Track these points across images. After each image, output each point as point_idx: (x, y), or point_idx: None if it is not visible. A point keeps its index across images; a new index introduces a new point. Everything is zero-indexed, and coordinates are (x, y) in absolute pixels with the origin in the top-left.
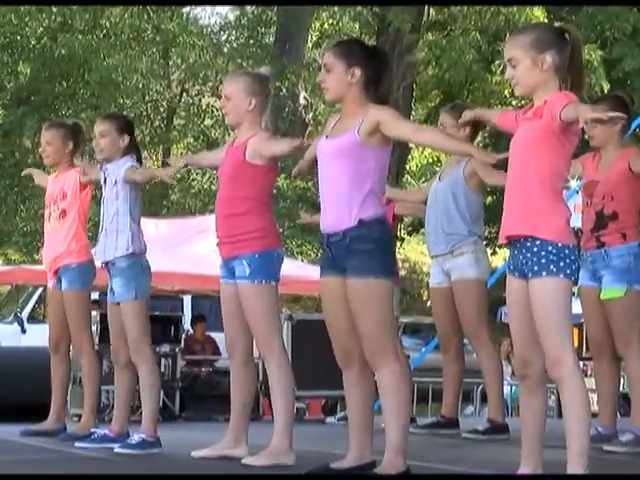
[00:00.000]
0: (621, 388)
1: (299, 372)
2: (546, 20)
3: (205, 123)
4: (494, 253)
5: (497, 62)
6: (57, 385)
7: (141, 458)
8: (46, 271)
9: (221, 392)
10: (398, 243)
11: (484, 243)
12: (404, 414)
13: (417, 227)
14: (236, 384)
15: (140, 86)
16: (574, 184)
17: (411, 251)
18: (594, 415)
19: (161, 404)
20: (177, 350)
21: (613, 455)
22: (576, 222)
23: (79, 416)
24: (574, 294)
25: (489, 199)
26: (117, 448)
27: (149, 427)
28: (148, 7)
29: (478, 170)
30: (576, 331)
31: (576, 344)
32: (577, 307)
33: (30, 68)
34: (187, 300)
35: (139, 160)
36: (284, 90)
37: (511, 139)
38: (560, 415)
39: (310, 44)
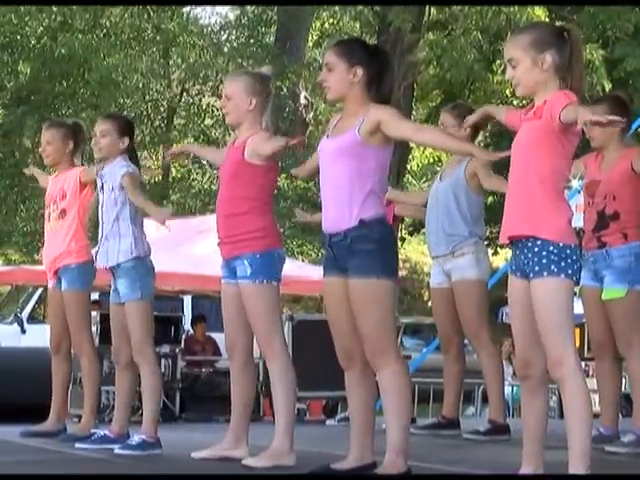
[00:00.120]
0: (623, 389)
1: (300, 372)
2: (547, 20)
3: (205, 123)
4: (495, 253)
5: (498, 62)
6: (58, 386)
7: (141, 459)
8: (46, 271)
9: (221, 393)
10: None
11: (485, 243)
12: (405, 414)
13: (418, 227)
14: (236, 385)
15: (140, 86)
16: (576, 184)
17: (412, 251)
18: (596, 416)
19: (161, 405)
20: (177, 351)
21: (615, 456)
22: (578, 222)
23: (79, 417)
24: (576, 294)
25: (490, 199)
26: (117, 449)
27: (149, 428)
28: (148, 7)
29: (478, 172)
30: (578, 331)
31: (578, 344)
32: (579, 307)
33: (30, 68)
34: (187, 300)
35: (136, 163)
36: (285, 90)
37: (512, 139)
38: (562, 416)
39: (311, 43)
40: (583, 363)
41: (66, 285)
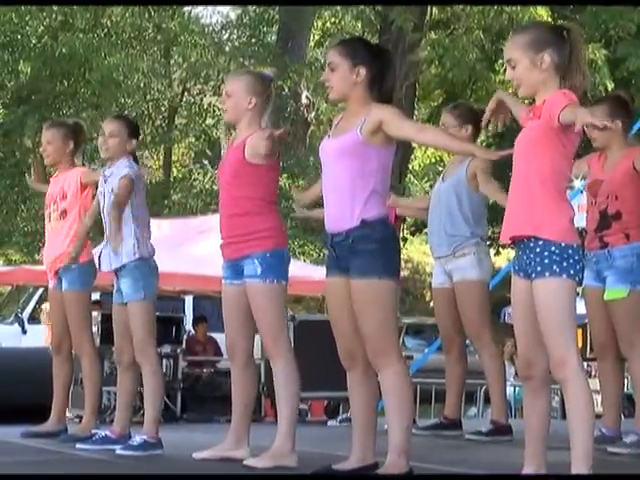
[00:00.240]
0: (625, 389)
1: (301, 373)
2: (550, 19)
3: (207, 122)
4: (498, 253)
5: (500, 61)
6: (59, 386)
7: (143, 459)
8: (47, 272)
9: (223, 393)
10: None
11: (488, 243)
12: (407, 415)
13: (420, 227)
14: (237, 386)
15: (141, 85)
16: (578, 184)
17: (414, 251)
18: (598, 416)
19: (163, 405)
20: (178, 351)
21: (617, 457)
22: (580, 222)
23: (80, 417)
24: (578, 294)
25: None
26: (119, 449)
27: (151, 428)
28: (149, 6)
29: (478, 175)
30: (580, 332)
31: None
32: (581, 308)
33: (31, 67)
34: (189, 301)
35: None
36: (286, 89)
37: (514, 139)
38: (564, 416)
39: (312, 43)
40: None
41: (67, 285)
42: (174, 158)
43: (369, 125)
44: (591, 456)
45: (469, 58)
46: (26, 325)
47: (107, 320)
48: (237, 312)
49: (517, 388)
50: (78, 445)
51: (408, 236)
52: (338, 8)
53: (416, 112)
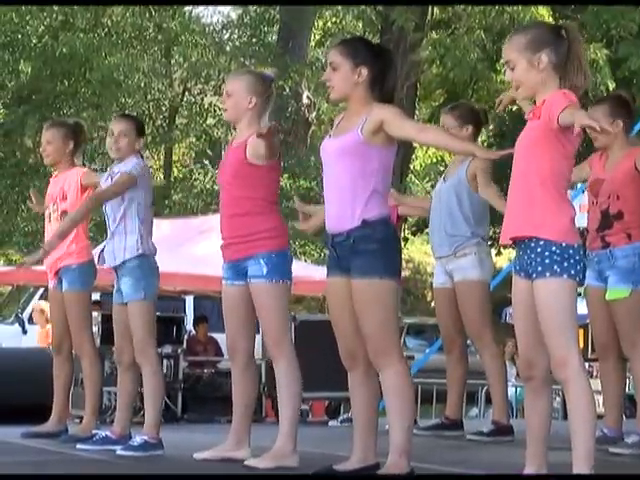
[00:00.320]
0: (626, 389)
1: (302, 373)
2: (551, 19)
3: (207, 122)
4: (499, 253)
5: (502, 61)
6: (59, 387)
7: (143, 460)
8: (47, 272)
9: (224, 393)
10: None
11: (489, 243)
12: (408, 415)
13: (421, 227)
14: (238, 386)
15: (142, 85)
16: (580, 183)
17: (415, 251)
18: (599, 417)
19: (163, 406)
20: (179, 351)
21: (619, 457)
22: (581, 222)
23: (80, 418)
24: (580, 294)
25: None
26: (119, 450)
27: (151, 429)
28: (150, 5)
29: (478, 177)
30: (582, 332)
31: (582, 345)
32: (582, 308)
33: (31, 67)
34: (189, 301)
35: None
36: (287, 89)
37: (515, 139)
38: (565, 417)
39: (313, 43)
40: (587, 364)
41: (67, 285)
42: (175, 158)
43: (370, 125)
44: (593, 456)
45: (470, 58)
46: (26, 325)
47: (107, 320)
48: (238, 313)
49: (518, 388)
50: (79, 445)
51: (409, 236)
52: (339, 8)
53: (417, 112)
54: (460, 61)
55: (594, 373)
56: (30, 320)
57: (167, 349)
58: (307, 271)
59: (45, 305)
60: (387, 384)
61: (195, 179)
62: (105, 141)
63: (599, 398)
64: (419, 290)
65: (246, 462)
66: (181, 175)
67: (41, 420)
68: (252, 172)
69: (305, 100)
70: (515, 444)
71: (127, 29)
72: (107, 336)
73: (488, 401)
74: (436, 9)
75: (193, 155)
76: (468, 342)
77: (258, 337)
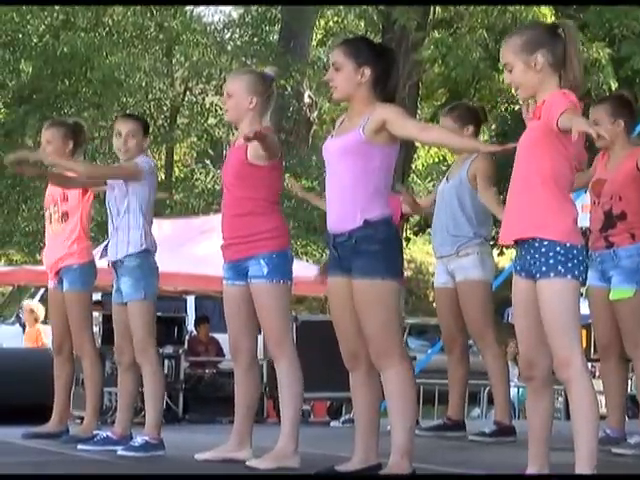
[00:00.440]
0: (629, 390)
1: (304, 374)
2: (554, 18)
3: (209, 122)
4: (501, 253)
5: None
6: (60, 387)
7: (144, 460)
8: (47, 272)
9: (225, 394)
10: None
11: (491, 243)
12: (410, 416)
13: (423, 227)
14: (240, 386)
15: (143, 84)
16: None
17: (417, 251)
18: (602, 417)
19: (164, 406)
20: (180, 351)
21: (621, 458)
22: (583, 221)
23: (81, 418)
24: (582, 295)
25: None
26: (120, 450)
27: (152, 429)
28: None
29: (478, 179)
30: (584, 332)
31: (584, 345)
32: (585, 308)
33: (32, 66)
34: (191, 301)
35: None
36: (289, 89)
37: (517, 138)
38: (568, 417)
39: (315, 42)
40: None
41: (67, 286)
42: (176, 158)
43: (372, 124)
44: (595, 457)
45: (472, 57)
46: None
47: (108, 321)
48: (239, 313)
49: (521, 389)
50: (79, 446)
51: (411, 236)
52: (341, 7)
53: (419, 111)
54: (462, 60)
55: (597, 373)
56: None
57: (168, 349)
58: (309, 271)
59: (35, 305)
60: (389, 385)
61: (196, 179)
62: (106, 141)
63: (602, 399)
64: (421, 290)
65: (247, 463)
66: (182, 175)
67: (42, 421)
68: (254, 172)
69: (307, 100)
70: (517, 445)
71: (128, 28)
72: (108, 336)
73: (490, 401)
74: (438, 8)
75: (194, 155)
76: (470, 342)
77: (260, 337)
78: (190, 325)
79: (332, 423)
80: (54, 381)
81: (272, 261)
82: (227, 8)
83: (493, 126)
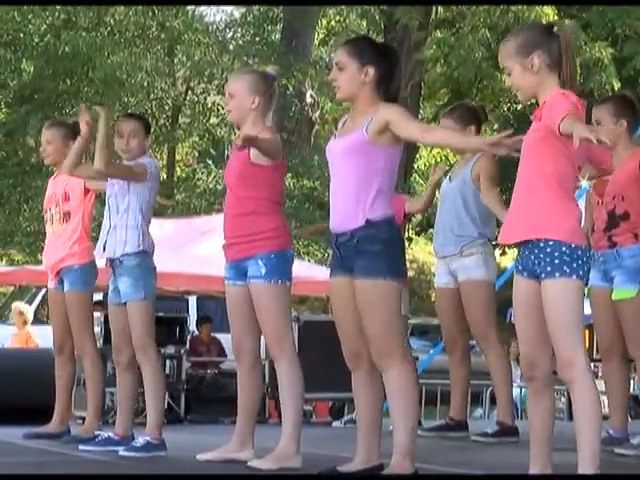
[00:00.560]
0: (631, 390)
1: (305, 374)
2: (556, 17)
3: (211, 121)
4: (504, 253)
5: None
6: (61, 387)
7: (146, 461)
8: (47, 273)
9: (227, 394)
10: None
11: (494, 243)
12: (412, 416)
13: (425, 227)
14: (243, 387)
15: (145, 84)
16: (585, 184)
17: (419, 251)
18: (605, 418)
19: (166, 406)
20: (182, 352)
21: (624, 458)
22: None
23: (83, 418)
24: (584, 295)
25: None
26: (122, 451)
27: (153, 430)
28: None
29: (481, 180)
30: (586, 332)
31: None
32: (587, 308)
33: (33, 66)
34: (192, 301)
35: None
36: (291, 88)
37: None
38: (571, 417)
39: (317, 41)
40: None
41: (68, 286)
42: (178, 157)
43: (375, 125)
44: (598, 457)
45: (475, 57)
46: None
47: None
48: (242, 313)
49: (523, 389)
50: (81, 446)
51: (413, 236)
52: (343, 7)
53: (421, 111)
54: (464, 60)
55: (599, 374)
56: (32, 321)
57: (170, 350)
58: (311, 271)
59: (24, 307)
60: (390, 385)
61: (198, 179)
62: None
63: (604, 399)
64: (423, 290)
65: (249, 463)
66: (184, 175)
67: (43, 421)
68: (256, 172)
69: (309, 99)
70: (520, 445)
71: (130, 28)
72: (109, 336)
73: (493, 402)
74: (440, 8)
75: (196, 154)
76: (472, 342)
77: (263, 337)
78: (192, 325)
79: (334, 423)
80: (55, 381)
81: (270, 261)
82: (229, 7)
83: (495, 126)
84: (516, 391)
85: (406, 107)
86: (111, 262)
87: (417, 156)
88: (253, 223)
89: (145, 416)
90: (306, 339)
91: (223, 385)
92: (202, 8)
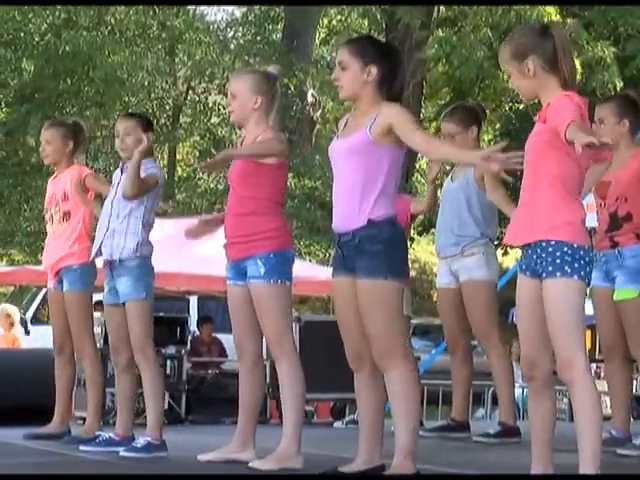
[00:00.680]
0: (633, 390)
1: (307, 374)
2: (558, 17)
3: (212, 121)
4: (505, 253)
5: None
6: (61, 388)
7: (147, 461)
8: (47, 272)
9: (228, 394)
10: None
11: (496, 243)
12: (414, 417)
13: (427, 227)
14: (245, 386)
15: (145, 84)
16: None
17: (421, 251)
18: (607, 418)
19: (167, 407)
20: (183, 352)
21: (627, 459)
22: (589, 222)
23: (83, 419)
24: (586, 295)
25: None
26: (122, 451)
27: (154, 430)
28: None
29: (486, 180)
30: (589, 333)
31: (589, 346)
32: (589, 308)
33: (34, 65)
34: (193, 301)
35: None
36: (292, 88)
37: (521, 138)
38: (572, 418)
39: (318, 41)
40: (594, 365)
41: (67, 286)
42: (179, 157)
43: (378, 127)
44: (599, 458)
45: (477, 56)
46: (29, 326)
47: None
48: (243, 313)
49: (525, 389)
50: (81, 447)
51: (415, 236)
52: (344, 6)
53: (423, 110)
54: (466, 59)
55: (602, 374)
56: (32, 321)
57: (171, 350)
58: (312, 271)
59: (11, 309)
60: (392, 386)
61: (199, 178)
62: (108, 140)
63: (606, 399)
64: (425, 290)
65: (250, 464)
66: (185, 174)
67: (43, 421)
68: (260, 171)
69: (310, 99)
70: (522, 445)
71: (131, 27)
72: None
73: (494, 402)
74: (442, 7)
75: (197, 154)
76: (474, 343)
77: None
78: (193, 325)
79: (335, 424)
80: (55, 382)
81: (269, 261)
82: (230, 7)
83: (497, 125)
84: (518, 391)
85: (408, 106)
86: (109, 263)
87: (419, 155)
88: (253, 223)
89: (145, 417)
90: (307, 339)
91: (224, 385)
92: (203, 7)
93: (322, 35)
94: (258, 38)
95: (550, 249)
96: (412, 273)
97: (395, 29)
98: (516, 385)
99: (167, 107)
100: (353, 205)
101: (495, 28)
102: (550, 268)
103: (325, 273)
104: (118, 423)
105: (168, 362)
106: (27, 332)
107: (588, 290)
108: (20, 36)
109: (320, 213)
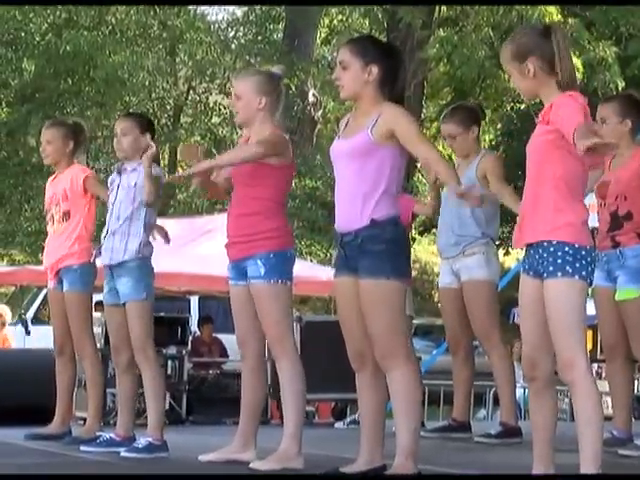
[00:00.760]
0: (635, 390)
1: (308, 374)
2: (560, 16)
3: (212, 121)
4: (507, 253)
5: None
6: (62, 388)
7: (148, 462)
8: (47, 272)
9: (229, 395)
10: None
11: (497, 243)
12: (415, 417)
13: (428, 227)
14: (247, 386)
15: (146, 83)
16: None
17: (422, 251)
18: (608, 419)
19: (168, 407)
20: (184, 352)
21: (628, 459)
22: (591, 222)
23: (84, 419)
24: (588, 295)
25: None
26: (123, 452)
27: (155, 430)
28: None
29: (488, 177)
30: (590, 333)
31: (590, 346)
32: (591, 308)
33: (35, 65)
34: (194, 301)
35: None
36: (293, 87)
37: (522, 138)
38: (573, 418)
39: (319, 40)
40: (596, 365)
41: (67, 286)
42: (179, 157)
43: (379, 130)
44: (600, 458)
45: (478, 56)
46: (30, 326)
47: None
48: (245, 313)
49: (527, 390)
50: (82, 447)
51: (416, 236)
52: (345, 5)
53: (424, 110)
54: (468, 59)
55: (603, 374)
56: (33, 321)
57: (172, 350)
58: (313, 271)
59: (2, 309)
60: (394, 386)
61: None
62: (109, 140)
63: (608, 399)
64: (426, 290)
65: (251, 465)
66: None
67: (44, 422)
68: (264, 171)
69: (311, 98)
70: (523, 446)
71: (131, 27)
72: None
73: (496, 402)
74: (443, 7)
75: None
76: (476, 343)
77: None
78: (194, 326)
79: (336, 424)
80: (56, 382)
81: (269, 261)
82: (231, 7)
83: (499, 125)
84: (519, 392)
85: (409, 106)
86: (109, 265)
87: None
88: (255, 223)
89: (146, 417)
90: (308, 339)
91: (225, 386)
92: (204, 7)
93: (323, 35)
94: (259, 38)
95: (552, 249)
96: (413, 273)
97: (396, 29)
98: (517, 385)
99: (168, 107)
100: (356, 205)
101: (496, 28)
102: (551, 268)
103: (326, 273)
104: (119, 423)
105: (169, 362)
106: (28, 332)
107: (590, 290)
108: (21, 36)
109: (321, 213)
